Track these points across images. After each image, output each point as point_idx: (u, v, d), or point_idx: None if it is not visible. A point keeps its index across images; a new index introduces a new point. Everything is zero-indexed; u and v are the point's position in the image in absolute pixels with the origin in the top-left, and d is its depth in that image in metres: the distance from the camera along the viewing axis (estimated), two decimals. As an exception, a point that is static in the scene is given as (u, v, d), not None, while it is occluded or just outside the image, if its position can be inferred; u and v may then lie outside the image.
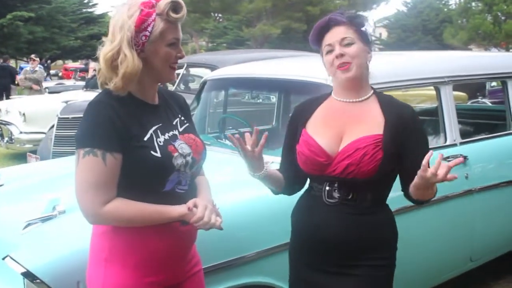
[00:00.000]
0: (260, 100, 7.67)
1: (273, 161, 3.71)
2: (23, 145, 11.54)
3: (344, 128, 2.70)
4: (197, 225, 2.44)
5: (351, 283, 2.70)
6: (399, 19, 61.91)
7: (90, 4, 53.00)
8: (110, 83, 2.39)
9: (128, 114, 2.41)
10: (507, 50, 34.27)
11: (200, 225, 2.43)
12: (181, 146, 2.51)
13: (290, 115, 2.98)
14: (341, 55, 2.63)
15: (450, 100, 4.45)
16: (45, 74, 21.95)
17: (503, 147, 4.94)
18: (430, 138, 2.86)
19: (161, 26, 2.40)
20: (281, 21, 37.26)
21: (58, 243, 2.88)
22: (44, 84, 18.24)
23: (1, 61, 19.36)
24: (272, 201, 3.14)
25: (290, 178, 2.90)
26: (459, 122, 4.56)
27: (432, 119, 4.79)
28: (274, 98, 6.51)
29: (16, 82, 18.11)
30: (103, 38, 2.44)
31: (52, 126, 9.03)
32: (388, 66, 4.29)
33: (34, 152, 9.01)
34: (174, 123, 2.60)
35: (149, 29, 2.39)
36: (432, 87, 4.56)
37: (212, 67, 8.12)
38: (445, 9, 56.12)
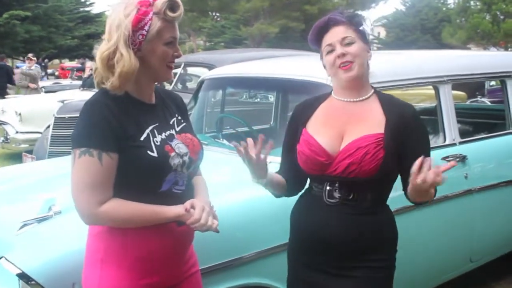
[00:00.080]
0: (258, 100, 7.68)
1: (271, 161, 3.71)
2: (18, 145, 11.51)
3: (345, 127, 2.69)
4: (194, 227, 2.42)
5: (350, 284, 2.69)
6: (397, 18, 61.98)
7: (87, 3, 53.15)
8: (106, 82, 2.38)
9: (125, 114, 2.40)
10: (506, 49, 34.33)
11: (196, 226, 2.41)
12: (178, 146, 2.49)
13: (290, 114, 2.96)
14: (343, 54, 2.62)
15: (449, 100, 4.44)
16: (43, 73, 21.92)
17: (503, 146, 4.93)
18: (429, 138, 2.86)
19: (158, 25, 2.39)
20: (278, 20, 37.30)
21: (53, 244, 2.86)
22: (41, 84, 18.21)
23: (-2, 60, 19.32)
24: (270, 201, 3.12)
25: (291, 179, 2.89)
26: (458, 122, 4.55)
27: (431, 119, 4.77)
28: (272, 98, 6.52)
29: (13, 81, 18.06)
30: (102, 37, 2.43)
31: (48, 126, 8.98)
32: (387, 66, 4.27)
33: (30, 152, 9.01)
34: (171, 122, 2.59)
35: (146, 28, 2.37)
36: (431, 87, 4.56)
37: (210, 66, 8.10)
38: (444, 8, 56.22)
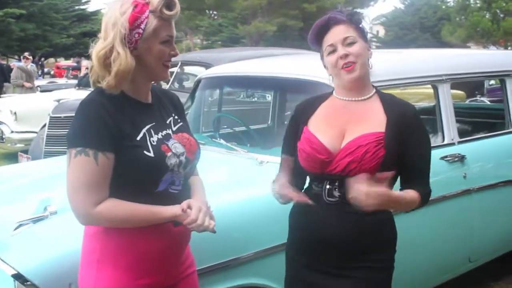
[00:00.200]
0: (256, 99, 7.67)
1: (268, 161, 3.71)
2: (14, 145, 11.45)
3: (346, 126, 2.68)
4: (190, 227, 2.42)
5: (350, 284, 2.68)
6: (396, 16, 61.99)
7: (83, 1, 52.80)
8: (102, 81, 2.37)
9: (121, 113, 2.38)
10: (506, 48, 34.37)
11: (193, 227, 2.41)
12: (175, 146, 2.48)
13: (291, 114, 2.95)
14: (346, 55, 2.61)
15: (448, 99, 4.43)
16: (39, 72, 21.88)
17: (502, 146, 4.92)
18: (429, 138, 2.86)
19: (154, 23, 2.38)
20: (276, 18, 37.28)
21: (49, 244, 2.85)
22: (36, 83, 18.15)
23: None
24: (267, 201, 3.12)
25: (297, 180, 2.87)
26: (457, 121, 4.55)
27: (429, 118, 4.76)
28: (269, 97, 6.51)
29: (9, 79, 18.02)
30: (98, 35, 2.42)
31: (44, 125, 8.96)
32: (386, 64, 4.25)
33: (25, 151, 8.98)
34: (167, 122, 2.57)
35: (142, 26, 2.36)
36: (429, 86, 4.55)
37: (207, 65, 8.09)
38: (443, 7, 56.13)
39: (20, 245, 2.92)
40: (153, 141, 2.42)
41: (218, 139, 4.55)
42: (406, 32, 57.35)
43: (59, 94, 11.73)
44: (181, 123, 2.64)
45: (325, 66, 2.76)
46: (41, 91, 16.84)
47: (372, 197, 2.43)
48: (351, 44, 2.63)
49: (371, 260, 2.68)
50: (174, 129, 2.57)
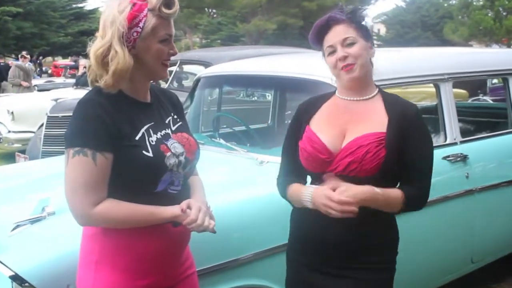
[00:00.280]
0: (255, 98, 7.65)
1: (268, 161, 3.69)
2: (11, 145, 11.47)
3: (347, 126, 2.67)
4: (190, 227, 2.41)
5: (351, 285, 2.67)
6: (397, 14, 61.90)
7: (80, -1, 52.77)
8: (100, 80, 2.36)
9: (119, 113, 2.37)
10: (509, 46, 34.28)
11: (193, 227, 2.40)
12: (174, 146, 2.47)
13: (294, 113, 2.93)
14: (345, 57, 2.60)
15: (450, 98, 4.42)
16: (37, 70, 21.90)
17: (505, 145, 4.92)
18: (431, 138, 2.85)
19: (153, 22, 2.37)
20: (276, 16, 37.35)
21: (47, 245, 2.83)
22: (33, 82, 18.17)
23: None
24: (267, 201, 3.13)
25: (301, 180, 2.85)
26: (460, 120, 4.54)
27: (431, 117, 4.76)
28: (269, 96, 6.50)
29: (6, 78, 18.04)
30: (96, 34, 2.41)
31: (42, 125, 8.95)
32: (387, 63, 4.22)
33: (23, 151, 8.96)
34: (166, 121, 2.57)
35: (141, 25, 2.35)
36: (431, 85, 4.53)
37: (206, 64, 8.10)
38: (445, 4, 55.90)
39: (17, 246, 2.90)
40: (152, 141, 2.41)
41: (218, 138, 4.54)
42: (407, 31, 57.31)
43: (57, 94, 11.69)
44: (180, 123, 2.63)
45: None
46: (39, 90, 16.90)
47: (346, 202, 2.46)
48: (351, 44, 2.61)
49: (372, 261, 2.66)
50: (173, 128, 2.55)
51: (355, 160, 2.57)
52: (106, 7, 2.40)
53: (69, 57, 40.05)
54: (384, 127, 2.61)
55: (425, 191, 2.70)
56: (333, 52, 2.63)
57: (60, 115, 8.48)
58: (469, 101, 12.29)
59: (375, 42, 3.61)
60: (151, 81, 2.57)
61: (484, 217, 4.58)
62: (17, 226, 3.02)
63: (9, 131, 11.53)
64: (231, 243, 3.13)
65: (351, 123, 2.66)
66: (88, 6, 52.56)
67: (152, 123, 2.46)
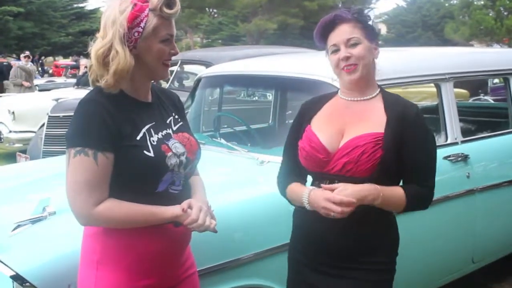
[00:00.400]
0: (256, 98, 7.65)
1: (269, 161, 3.69)
2: (12, 145, 11.48)
3: (346, 126, 2.67)
4: (191, 227, 2.41)
5: (351, 285, 2.67)
6: (398, 14, 61.90)
7: (81, -1, 52.71)
8: (101, 80, 2.36)
9: (120, 113, 2.37)
10: (510, 46, 34.18)
11: (194, 227, 2.40)
12: (175, 146, 2.47)
13: (297, 113, 2.92)
14: (347, 57, 2.59)
15: (451, 98, 4.41)
16: (39, 70, 21.89)
17: (506, 145, 4.90)
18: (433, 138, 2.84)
19: (154, 22, 2.37)
20: (277, 16, 37.34)
21: (48, 245, 2.83)
22: (34, 82, 18.17)
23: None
24: (268, 201, 3.13)
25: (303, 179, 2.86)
26: (461, 120, 4.53)
27: (432, 117, 4.74)
28: (270, 96, 6.50)
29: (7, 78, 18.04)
30: (97, 34, 2.41)
31: (43, 125, 8.95)
32: (387, 63, 4.20)
33: (24, 151, 8.96)
34: (167, 121, 2.56)
35: (142, 25, 2.35)
36: (432, 84, 4.53)
37: (207, 64, 8.09)
38: (446, 4, 55.74)
39: (18, 246, 2.90)
40: (153, 141, 2.40)
41: (219, 138, 4.53)
42: (408, 30, 57.29)
43: (58, 93, 11.75)
44: (181, 123, 2.62)
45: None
46: (40, 90, 16.88)
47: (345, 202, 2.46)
48: (355, 45, 2.60)
49: (372, 262, 2.66)
50: (174, 128, 2.55)
51: (351, 161, 2.56)
52: (107, 7, 2.39)
53: (70, 57, 40.02)
54: (382, 128, 2.60)
55: (430, 191, 2.70)
56: (336, 51, 2.63)
57: (61, 115, 8.48)
58: (470, 101, 12.28)
59: (376, 42, 3.61)
60: (152, 81, 2.57)
61: (485, 217, 4.57)
62: (18, 226, 3.02)
63: (10, 131, 11.53)
64: (232, 243, 3.13)
65: (350, 123, 2.66)
66: (89, 6, 52.67)
67: (153, 123, 2.45)
